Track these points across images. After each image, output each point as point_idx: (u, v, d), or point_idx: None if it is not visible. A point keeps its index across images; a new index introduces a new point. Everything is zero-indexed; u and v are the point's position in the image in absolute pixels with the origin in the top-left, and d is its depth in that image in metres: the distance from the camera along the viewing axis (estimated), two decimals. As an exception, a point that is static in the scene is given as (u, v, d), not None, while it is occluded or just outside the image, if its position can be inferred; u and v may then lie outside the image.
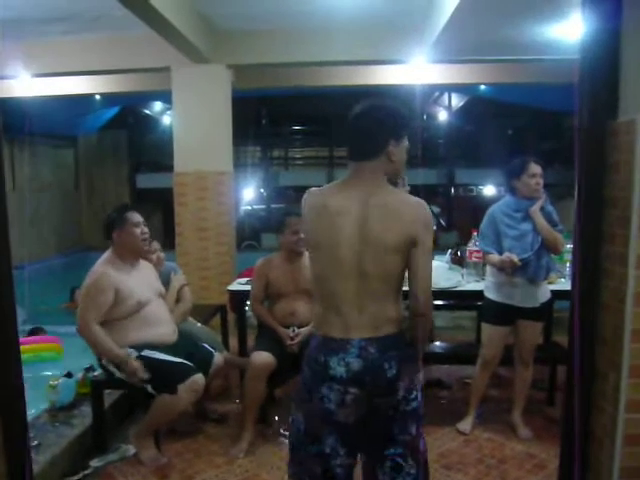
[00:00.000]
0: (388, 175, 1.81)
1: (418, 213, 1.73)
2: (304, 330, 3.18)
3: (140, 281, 2.99)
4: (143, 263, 3.13)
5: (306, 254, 3.34)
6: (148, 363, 2.82)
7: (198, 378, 2.78)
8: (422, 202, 1.76)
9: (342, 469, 1.79)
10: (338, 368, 1.73)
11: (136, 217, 3.02)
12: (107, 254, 2.99)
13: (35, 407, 3.15)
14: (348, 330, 1.74)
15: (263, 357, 3.07)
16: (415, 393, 1.78)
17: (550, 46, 4.73)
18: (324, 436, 1.77)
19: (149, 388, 2.82)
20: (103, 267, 2.91)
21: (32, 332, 4.75)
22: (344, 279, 1.74)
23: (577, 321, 1.72)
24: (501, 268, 3.07)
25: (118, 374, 2.88)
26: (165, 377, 2.79)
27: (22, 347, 3.75)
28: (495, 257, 3.10)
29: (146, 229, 3.05)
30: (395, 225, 1.70)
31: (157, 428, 2.96)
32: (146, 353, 2.84)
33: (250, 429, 3.13)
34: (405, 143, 1.82)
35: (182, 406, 2.82)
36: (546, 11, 3.95)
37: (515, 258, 2.98)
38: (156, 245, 3.51)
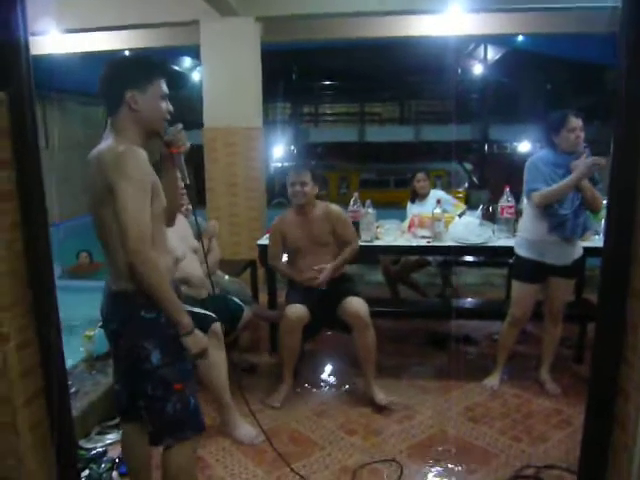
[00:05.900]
0: (148, 130, 1.77)
1: (109, 159, 1.65)
2: (328, 266, 3.18)
3: (176, 236, 3.02)
4: (178, 217, 3.15)
5: (320, 205, 3.26)
6: None
7: (216, 326, 2.81)
8: (118, 148, 1.66)
9: (121, 398, 1.96)
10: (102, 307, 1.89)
11: None
12: None
13: (72, 358, 3.26)
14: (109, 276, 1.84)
15: (297, 310, 3.08)
16: (146, 353, 1.75)
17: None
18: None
19: None
20: None
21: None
22: (95, 229, 1.79)
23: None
24: (558, 200, 2.94)
25: None
26: None
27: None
28: (560, 182, 2.90)
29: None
30: (97, 174, 1.68)
31: (223, 391, 2.81)
32: None
33: (288, 381, 3.21)
34: (155, 91, 1.74)
35: (217, 355, 2.77)
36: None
37: (602, 160, 2.83)
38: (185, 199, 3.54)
